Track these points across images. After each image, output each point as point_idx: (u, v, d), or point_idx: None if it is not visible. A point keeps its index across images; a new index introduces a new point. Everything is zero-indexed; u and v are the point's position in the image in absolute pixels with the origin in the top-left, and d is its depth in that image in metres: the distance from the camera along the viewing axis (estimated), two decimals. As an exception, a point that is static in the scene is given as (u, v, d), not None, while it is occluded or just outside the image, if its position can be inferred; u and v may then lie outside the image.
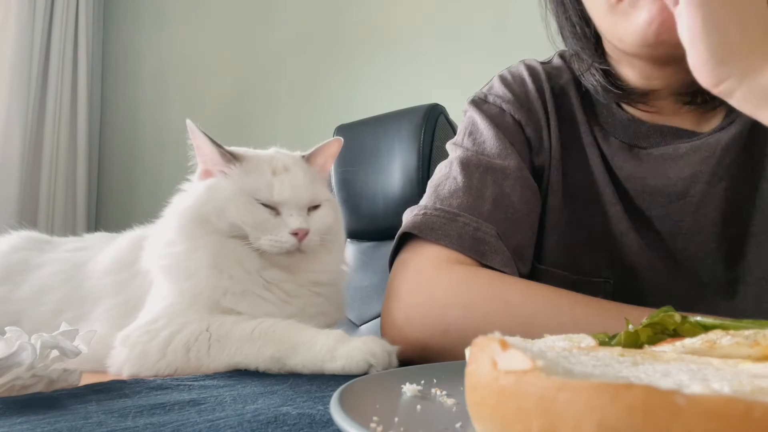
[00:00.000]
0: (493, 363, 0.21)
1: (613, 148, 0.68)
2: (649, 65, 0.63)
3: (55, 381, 0.47)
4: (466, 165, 0.67)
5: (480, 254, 0.61)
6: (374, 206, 1.28)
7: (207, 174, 0.65)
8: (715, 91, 0.45)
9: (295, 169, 0.65)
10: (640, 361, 0.24)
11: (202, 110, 2.55)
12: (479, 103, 0.73)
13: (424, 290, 0.59)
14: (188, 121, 0.63)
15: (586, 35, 0.66)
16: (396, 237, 0.65)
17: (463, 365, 0.23)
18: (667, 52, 0.58)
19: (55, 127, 2.59)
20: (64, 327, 0.51)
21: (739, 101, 0.44)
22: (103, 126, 2.83)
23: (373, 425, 0.26)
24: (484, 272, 0.59)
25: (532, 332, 0.36)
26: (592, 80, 0.67)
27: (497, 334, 0.23)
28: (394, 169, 1.26)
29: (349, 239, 1.36)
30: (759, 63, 0.43)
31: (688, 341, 0.28)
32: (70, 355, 0.48)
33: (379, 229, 1.28)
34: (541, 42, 0.75)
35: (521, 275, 0.64)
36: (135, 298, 0.65)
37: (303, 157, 0.69)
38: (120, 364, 0.58)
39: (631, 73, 0.66)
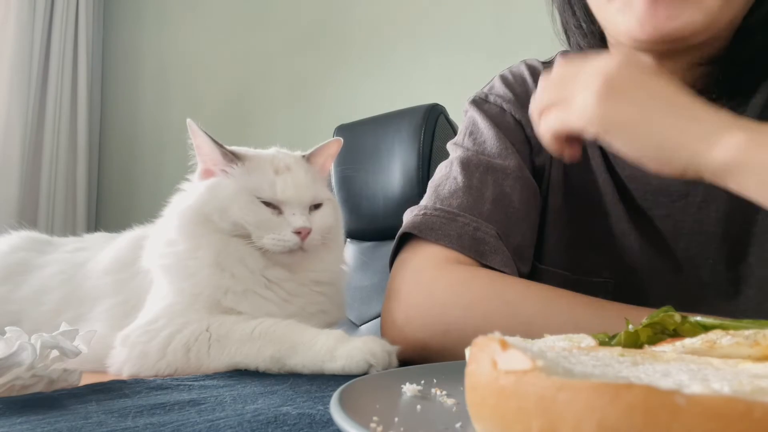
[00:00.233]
0: (493, 363, 0.21)
1: None
2: (652, 59, 0.62)
3: (55, 381, 0.47)
4: (466, 165, 0.67)
5: (480, 254, 0.61)
6: (374, 206, 1.28)
7: (208, 173, 0.65)
8: (686, 178, 0.47)
9: (296, 169, 0.65)
10: (640, 361, 0.24)
11: (202, 110, 2.55)
12: (480, 102, 0.73)
13: (424, 290, 0.59)
14: (189, 121, 0.63)
15: (592, 31, 0.66)
16: (396, 237, 0.65)
17: (463, 365, 0.23)
18: (664, 48, 0.58)
19: (55, 127, 2.59)
20: (64, 327, 0.51)
21: (710, 180, 0.46)
22: (103, 126, 2.83)
23: (373, 425, 0.26)
24: (484, 272, 0.59)
25: (532, 332, 0.36)
26: None
27: (497, 334, 0.23)
28: (394, 169, 1.26)
29: (349, 239, 1.36)
30: (703, 147, 0.44)
31: (688, 341, 0.28)
32: (70, 355, 0.48)
33: (379, 229, 1.28)
34: (541, 42, 0.75)
35: (521, 275, 0.64)
36: (135, 298, 0.65)
37: (303, 156, 0.70)
38: (120, 364, 0.58)
39: None
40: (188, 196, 0.64)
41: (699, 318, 0.31)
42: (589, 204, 0.69)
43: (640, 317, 0.34)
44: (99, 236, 0.79)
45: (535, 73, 0.74)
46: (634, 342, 0.31)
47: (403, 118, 1.28)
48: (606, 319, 0.52)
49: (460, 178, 0.66)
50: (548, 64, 0.76)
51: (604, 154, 0.69)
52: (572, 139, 0.53)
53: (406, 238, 0.65)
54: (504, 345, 0.21)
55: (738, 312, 0.63)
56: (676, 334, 0.31)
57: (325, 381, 0.49)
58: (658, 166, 0.47)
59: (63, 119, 2.61)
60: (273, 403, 0.40)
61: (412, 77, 2.07)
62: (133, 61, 2.81)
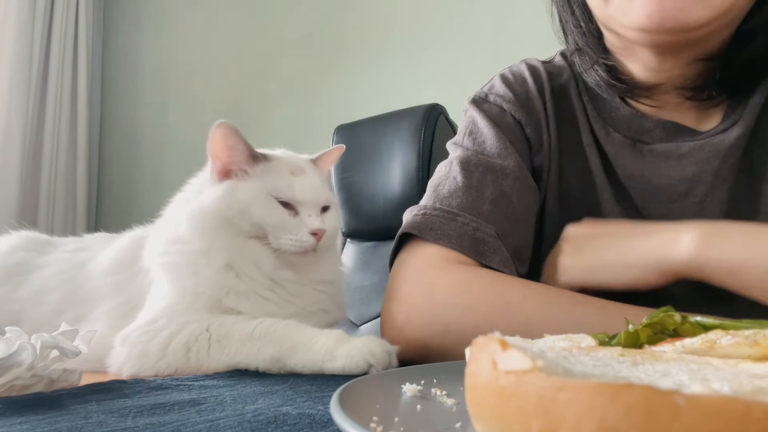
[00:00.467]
0: (493, 363, 0.21)
1: (616, 145, 0.68)
2: (652, 55, 0.62)
3: (55, 381, 0.47)
4: (465, 165, 0.67)
5: (479, 254, 0.61)
6: (374, 206, 1.28)
7: (226, 173, 0.65)
8: (670, 281, 0.55)
9: (310, 171, 0.68)
10: (640, 361, 0.24)
11: (202, 110, 2.55)
12: (480, 102, 0.73)
13: (424, 290, 0.59)
14: (223, 121, 0.63)
15: (590, 31, 0.66)
16: (396, 237, 0.65)
17: (463, 365, 0.23)
18: (667, 39, 0.58)
19: (55, 127, 2.59)
20: (64, 327, 0.51)
21: (687, 277, 0.53)
22: (103, 126, 2.83)
23: (373, 425, 0.26)
24: (484, 272, 0.59)
25: (532, 332, 0.36)
26: (595, 76, 0.67)
27: (497, 334, 0.23)
28: (394, 169, 1.26)
29: (349, 239, 1.37)
30: (665, 251, 0.53)
31: (688, 341, 0.28)
32: (70, 355, 0.48)
33: (379, 229, 1.28)
34: (541, 42, 0.75)
35: (519, 275, 0.64)
36: (135, 298, 0.65)
37: (311, 160, 0.71)
38: (120, 364, 0.58)
39: (635, 67, 0.66)
40: (204, 199, 0.64)
41: (699, 318, 0.31)
42: (586, 205, 0.69)
43: (640, 317, 0.34)
44: (99, 236, 0.79)
45: (535, 73, 0.74)
46: (634, 342, 0.31)
47: (403, 118, 1.28)
48: (606, 319, 0.52)
49: (459, 178, 0.66)
50: (548, 64, 0.76)
51: (602, 154, 0.69)
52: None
53: (406, 238, 0.65)
54: (504, 345, 0.21)
55: (737, 312, 0.63)
56: (676, 334, 0.31)
57: (325, 381, 0.49)
58: (636, 281, 0.55)
59: (63, 119, 2.61)
60: (273, 403, 0.40)
61: (412, 77, 2.07)
62: (132, 61, 2.81)
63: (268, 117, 2.38)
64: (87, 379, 0.49)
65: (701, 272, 0.51)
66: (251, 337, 0.56)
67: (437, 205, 0.65)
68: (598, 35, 0.67)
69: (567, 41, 0.71)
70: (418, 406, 0.32)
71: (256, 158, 0.65)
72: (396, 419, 0.28)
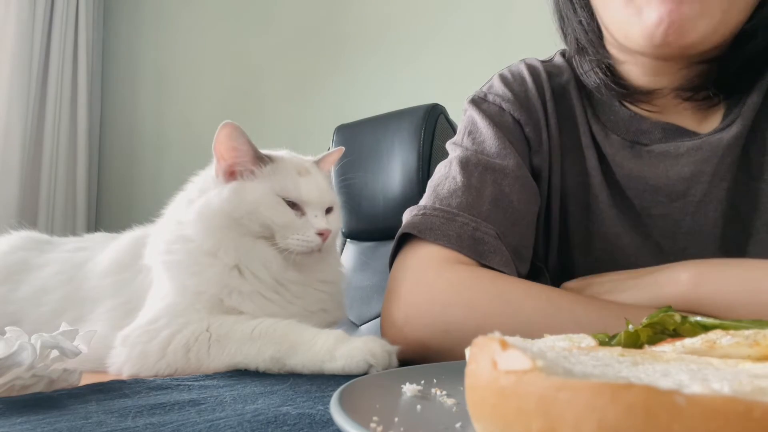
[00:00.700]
0: (493, 363, 0.21)
1: (614, 146, 0.68)
2: (654, 61, 0.63)
3: (55, 381, 0.47)
4: (465, 164, 0.67)
5: (479, 254, 0.61)
6: (374, 206, 1.28)
7: (230, 174, 0.65)
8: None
9: (314, 172, 0.68)
10: (640, 361, 0.24)
11: (202, 110, 2.55)
12: (479, 102, 0.73)
13: (424, 290, 0.59)
14: (228, 122, 0.63)
15: (593, 28, 0.66)
16: (396, 237, 0.65)
17: (463, 365, 0.23)
18: (672, 53, 0.58)
19: (55, 127, 2.59)
20: (64, 327, 0.51)
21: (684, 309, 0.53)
22: (103, 126, 2.83)
23: (373, 425, 0.26)
24: (484, 272, 0.59)
25: (533, 331, 0.36)
26: (595, 78, 0.67)
27: (497, 334, 0.23)
28: (394, 169, 1.26)
29: (349, 239, 1.37)
30: (657, 288, 0.56)
31: (688, 341, 0.28)
32: (70, 355, 0.48)
33: (379, 229, 1.28)
34: (540, 41, 0.75)
35: (520, 275, 0.64)
36: (135, 298, 0.65)
37: (315, 162, 0.72)
38: (120, 364, 0.58)
39: (636, 71, 0.66)
40: (211, 199, 0.64)
41: (699, 318, 0.31)
42: (584, 206, 0.69)
43: (640, 317, 0.34)
44: (99, 236, 0.79)
45: (534, 73, 0.74)
46: (634, 342, 0.31)
47: (403, 118, 1.28)
48: (606, 319, 0.52)
49: (459, 178, 0.66)
50: (548, 63, 0.76)
51: (600, 155, 0.69)
52: None
53: (406, 238, 0.65)
54: (504, 345, 0.21)
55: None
56: (676, 334, 0.31)
57: (325, 381, 0.49)
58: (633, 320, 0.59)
59: (63, 119, 2.61)
60: (273, 403, 0.40)
61: (412, 77, 2.07)
62: (132, 61, 2.81)
63: (268, 117, 2.38)
64: (87, 379, 0.49)
65: (697, 308, 0.52)
66: (251, 337, 0.56)
67: (437, 205, 0.64)
68: (599, 33, 0.67)
69: (567, 41, 0.71)
70: (418, 406, 0.32)
71: (261, 159, 0.65)
72: (396, 419, 0.28)
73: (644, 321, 0.32)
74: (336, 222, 0.69)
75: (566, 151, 0.70)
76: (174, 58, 2.70)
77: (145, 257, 0.66)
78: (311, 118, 2.27)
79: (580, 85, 0.72)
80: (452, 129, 1.27)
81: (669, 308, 0.32)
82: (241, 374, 0.53)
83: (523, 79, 0.73)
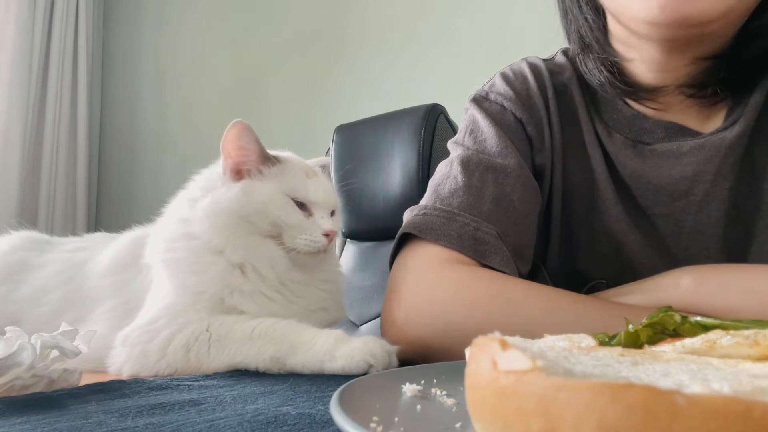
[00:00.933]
0: (493, 363, 0.21)
1: (617, 145, 0.68)
2: (658, 52, 0.62)
3: (55, 381, 0.47)
4: (466, 164, 0.67)
5: (480, 254, 0.61)
6: (374, 206, 1.28)
7: (237, 172, 0.66)
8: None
9: (320, 174, 0.70)
10: (640, 361, 0.24)
11: (202, 110, 2.55)
12: (480, 100, 0.73)
13: (424, 290, 0.59)
14: (239, 121, 0.63)
15: (598, 26, 0.66)
16: (396, 237, 0.65)
17: (463, 365, 0.23)
18: (677, 34, 0.58)
19: (55, 127, 2.59)
20: (64, 327, 0.51)
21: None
22: (103, 126, 2.83)
23: (373, 425, 0.26)
24: (484, 272, 0.59)
25: (533, 331, 0.36)
26: (599, 76, 0.67)
27: (497, 334, 0.23)
28: (394, 169, 1.26)
29: (349, 239, 1.37)
30: (663, 293, 0.56)
31: (688, 341, 0.28)
32: (70, 355, 0.48)
33: (379, 229, 1.28)
34: (541, 40, 0.75)
35: (521, 275, 0.64)
36: (135, 298, 0.65)
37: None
38: (120, 364, 0.58)
39: (641, 68, 0.65)
40: (219, 197, 0.64)
41: (699, 318, 0.31)
42: (589, 203, 0.69)
43: (640, 317, 0.34)
44: (99, 236, 0.79)
45: (536, 71, 0.73)
46: (634, 342, 0.31)
47: (403, 118, 1.28)
48: (606, 319, 0.52)
49: (460, 178, 0.66)
50: (550, 62, 0.76)
51: (605, 152, 0.69)
52: None
53: (406, 238, 0.65)
54: (504, 345, 0.21)
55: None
56: (676, 334, 0.31)
57: (325, 381, 0.49)
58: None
59: (63, 119, 2.61)
60: (273, 403, 0.40)
61: (412, 77, 2.07)
62: (133, 61, 2.81)
63: (268, 117, 2.38)
64: (87, 379, 0.49)
65: (697, 313, 0.53)
66: (251, 337, 0.56)
67: (438, 205, 0.64)
68: (605, 30, 0.66)
69: (570, 39, 0.71)
70: (418, 406, 0.32)
71: (268, 159, 0.66)
72: (396, 419, 0.28)
73: (644, 321, 0.32)
74: (338, 224, 0.70)
75: (569, 149, 0.70)
76: (174, 58, 2.70)
77: (145, 256, 0.66)
78: (311, 119, 2.28)
79: (583, 84, 0.72)
80: (452, 129, 1.27)
81: (669, 308, 0.32)
82: (241, 374, 0.53)
83: (524, 78, 0.73)
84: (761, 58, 0.61)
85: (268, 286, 0.62)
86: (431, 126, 1.24)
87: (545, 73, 0.73)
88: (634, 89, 0.66)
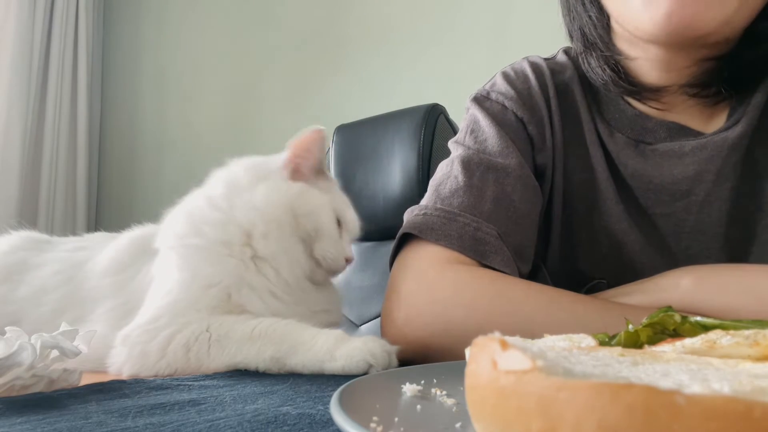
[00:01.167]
0: (493, 363, 0.21)
1: (619, 144, 0.68)
2: (662, 53, 0.62)
3: (55, 381, 0.47)
4: (467, 164, 0.67)
5: (480, 254, 0.61)
6: (374, 206, 1.28)
7: (298, 173, 0.69)
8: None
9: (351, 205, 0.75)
10: (640, 361, 0.23)
11: (202, 110, 2.55)
12: (481, 100, 0.73)
13: (424, 290, 0.59)
14: (318, 128, 0.70)
15: (602, 24, 0.66)
16: (396, 237, 0.65)
17: (464, 365, 0.23)
18: (682, 42, 0.58)
19: (55, 127, 2.59)
20: (64, 327, 0.51)
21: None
22: (103, 126, 2.83)
23: (373, 425, 0.26)
24: (484, 272, 0.59)
25: (534, 330, 0.36)
26: (602, 75, 0.67)
27: (497, 334, 0.23)
28: (394, 169, 1.26)
29: (349, 239, 1.37)
30: (664, 294, 0.56)
31: (688, 341, 0.28)
32: (70, 355, 0.48)
33: (379, 229, 1.28)
34: (541, 41, 0.75)
35: (521, 275, 0.64)
36: (135, 298, 0.65)
37: None
38: (120, 364, 0.58)
39: (645, 67, 0.65)
40: (280, 189, 0.67)
41: (699, 318, 0.31)
42: (589, 203, 0.69)
43: (640, 317, 0.34)
44: (99, 236, 0.79)
45: (537, 70, 0.73)
46: (634, 342, 0.31)
47: (403, 118, 1.28)
48: (607, 319, 0.52)
49: (460, 178, 0.66)
50: (551, 61, 0.75)
51: (606, 152, 0.69)
52: None
53: (407, 238, 0.65)
54: (504, 345, 0.21)
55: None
56: (676, 334, 0.31)
57: (325, 381, 0.49)
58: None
59: (63, 119, 2.61)
60: (273, 403, 0.40)
61: (412, 77, 2.07)
62: (133, 61, 2.81)
63: (268, 117, 2.38)
64: (87, 379, 0.49)
65: (697, 313, 0.53)
66: (251, 337, 0.56)
67: (438, 205, 0.64)
68: (609, 29, 0.66)
69: (573, 38, 0.71)
70: (418, 406, 0.32)
71: (321, 173, 0.70)
72: (396, 419, 0.28)
73: (644, 321, 0.32)
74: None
75: (570, 148, 0.70)
76: (174, 58, 2.70)
77: (156, 239, 0.67)
78: (311, 118, 2.26)
79: (584, 83, 0.72)
80: (452, 129, 1.27)
81: (669, 308, 0.32)
82: (241, 374, 0.53)
83: (526, 77, 0.73)
84: (764, 58, 0.61)
85: (281, 286, 0.63)
86: (431, 126, 1.24)
87: (547, 72, 0.73)
88: (637, 88, 0.66)
